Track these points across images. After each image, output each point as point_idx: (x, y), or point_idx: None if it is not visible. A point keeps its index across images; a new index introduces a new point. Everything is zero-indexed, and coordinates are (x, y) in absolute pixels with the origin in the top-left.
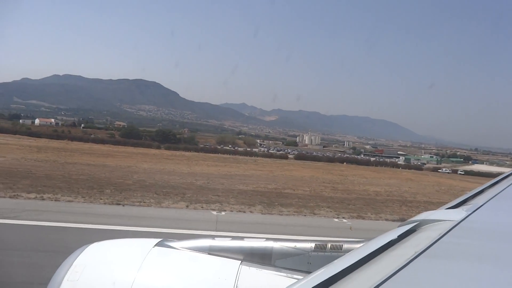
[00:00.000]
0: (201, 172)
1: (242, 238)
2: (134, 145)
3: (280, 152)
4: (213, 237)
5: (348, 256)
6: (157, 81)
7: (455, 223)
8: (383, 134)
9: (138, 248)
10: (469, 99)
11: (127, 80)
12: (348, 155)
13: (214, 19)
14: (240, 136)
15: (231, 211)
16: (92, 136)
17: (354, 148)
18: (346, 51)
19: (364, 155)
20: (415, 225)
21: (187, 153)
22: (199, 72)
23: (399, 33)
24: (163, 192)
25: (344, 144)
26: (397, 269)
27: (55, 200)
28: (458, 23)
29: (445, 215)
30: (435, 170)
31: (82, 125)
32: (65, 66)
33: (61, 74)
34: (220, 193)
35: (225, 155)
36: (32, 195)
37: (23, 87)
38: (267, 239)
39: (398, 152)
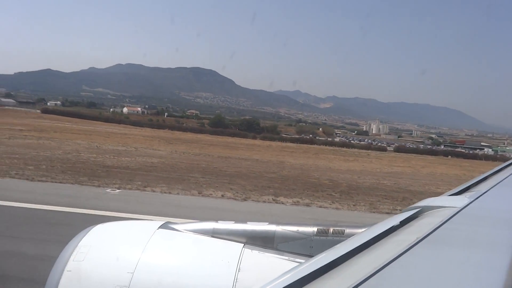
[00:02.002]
0: (361, 169)
1: (245, 221)
2: (229, 135)
3: (378, 144)
4: (216, 220)
5: (350, 241)
6: (213, 69)
7: (458, 210)
8: (446, 122)
9: (143, 230)
10: None
11: (185, 68)
12: (428, 146)
13: (266, 9)
14: (309, 124)
15: None
16: (184, 125)
17: (431, 138)
18: (404, 34)
19: (445, 146)
20: (417, 211)
21: (286, 144)
22: (253, 59)
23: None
24: (391, 197)
25: (411, 134)
26: (398, 254)
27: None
28: None
29: (448, 202)
30: None
31: (166, 113)
32: (128, 55)
33: (123, 63)
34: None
35: (322, 146)
36: (318, 201)
37: (90, 76)
38: (270, 223)
39: (482, 144)
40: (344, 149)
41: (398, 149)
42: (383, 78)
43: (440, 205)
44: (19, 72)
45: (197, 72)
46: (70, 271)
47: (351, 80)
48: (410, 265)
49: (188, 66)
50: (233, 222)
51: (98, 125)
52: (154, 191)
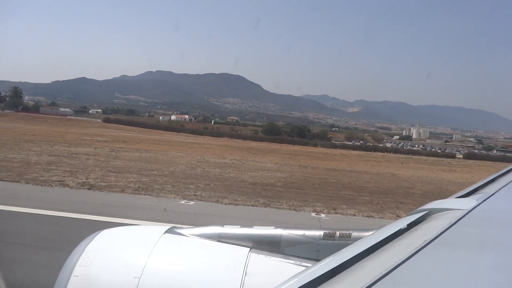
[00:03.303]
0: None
1: (251, 226)
2: (288, 142)
3: (444, 150)
4: (222, 224)
5: (356, 244)
6: (241, 75)
7: (465, 212)
8: (480, 125)
9: (149, 235)
10: None
11: (213, 74)
12: (479, 151)
13: (294, 15)
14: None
15: None
16: (238, 132)
17: (480, 142)
18: (434, 34)
19: (497, 151)
20: (424, 214)
21: (357, 152)
22: (281, 64)
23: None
24: None
25: (452, 137)
26: (406, 257)
27: None
28: None
29: (455, 204)
30: None
31: (213, 121)
32: (157, 62)
33: (153, 70)
34: None
35: (389, 154)
36: None
37: (122, 83)
38: (276, 227)
39: None
40: (417, 157)
41: (469, 156)
42: (413, 81)
43: (448, 207)
44: (56, 81)
45: (225, 78)
46: (77, 276)
47: (380, 83)
48: (419, 268)
49: (216, 72)
50: (239, 226)
51: (163, 134)
52: (372, 216)
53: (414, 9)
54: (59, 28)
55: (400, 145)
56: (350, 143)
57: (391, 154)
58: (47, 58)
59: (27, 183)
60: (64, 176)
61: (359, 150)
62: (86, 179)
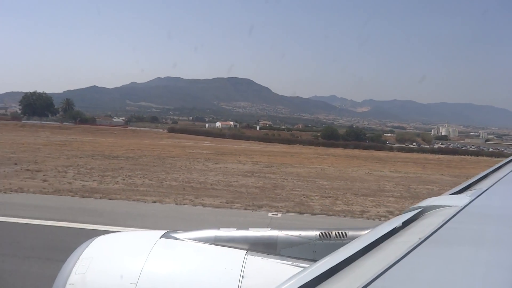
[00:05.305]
0: None
1: (247, 228)
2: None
3: (496, 150)
4: (218, 227)
5: (353, 243)
6: (249, 78)
7: (459, 209)
8: (492, 122)
9: (144, 240)
10: None
11: (222, 78)
12: None
13: (300, 17)
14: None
15: None
16: (299, 138)
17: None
18: (442, 31)
19: None
20: (419, 212)
21: (436, 156)
22: (288, 66)
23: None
24: None
25: (479, 136)
26: (402, 255)
27: None
28: None
29: (449, 201)
30: None
31: (258, 127)
32: (165, 69)
33: (162, 77)
34: None
35: (466, 157)
36: None
37: (132, 90)
38: (272, 229)
39: None
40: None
41: None
42: (421, 78)
43: (442, 204)
44: (68, 90)
45: (234, 82)
46: (72, 284)
47: (388, 82)
48: (415, 266)
49: (225, 76)
50: (235, 229)
51: (236, 143)
52: None
53: (420, 6)
54: (69, 38)
55: (444, 145)
56: (404, 145)
57: (471, 157)
58: (59, 68)
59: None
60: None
61: (425, 152)
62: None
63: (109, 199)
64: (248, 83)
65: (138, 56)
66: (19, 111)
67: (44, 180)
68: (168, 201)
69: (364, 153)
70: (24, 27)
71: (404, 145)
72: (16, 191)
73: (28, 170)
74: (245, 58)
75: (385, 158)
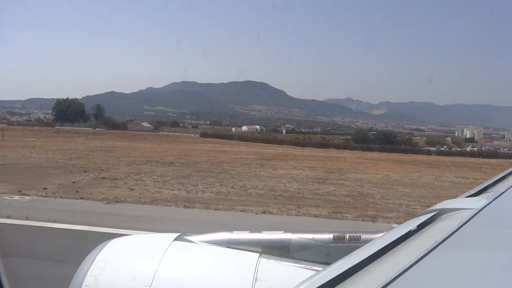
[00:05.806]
0: None
1: (260, 231)
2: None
3: None
4: (231, 230)
5: (366, 247)
6: (264, 81)
7: (475, 212)
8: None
9: (158, 243)
10: None
11: (237, 82)
12: None
13: (310, 21)
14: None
15: None
16: (330, 141)
17: None
18: (460, 30)
19: None
20: (434, 215)
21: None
22: (302, 68)
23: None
24: None
25: (504, 137)
26: (417, 259)
27: None
28: None
29: (465, 204)
30: None
31: (284, 130)
32: (181, 73)
33: (178, 81)
34: None
35: (506, 160)
36: None
37: (149, 95)
38: (285, 231)
39: None
40: None
41: None
42: (438, 79)
43: (458, 207)
44: (87, 96)
45: (249, 86)
46: (87, 286)
47: (404, 84)
48: (430, 270)
49: (240, 80)
50: (248, 232)
51: (271, 147)
52: None
53: (436, 6)
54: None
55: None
56: (434, 148)
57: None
58: (77, 74)
59: None
60: None
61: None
62: None
63: (215, 209)
64: (263, 86)
65: (155, 61)
66: (43, 117)
67: (131, 189)
68: (275, 212)
69: (405, 157)
70: (44, 35)
71: (435, 148)
72: (115, 201)
73: (104, 178)
74: (260, 62)
75: (433, 162)
